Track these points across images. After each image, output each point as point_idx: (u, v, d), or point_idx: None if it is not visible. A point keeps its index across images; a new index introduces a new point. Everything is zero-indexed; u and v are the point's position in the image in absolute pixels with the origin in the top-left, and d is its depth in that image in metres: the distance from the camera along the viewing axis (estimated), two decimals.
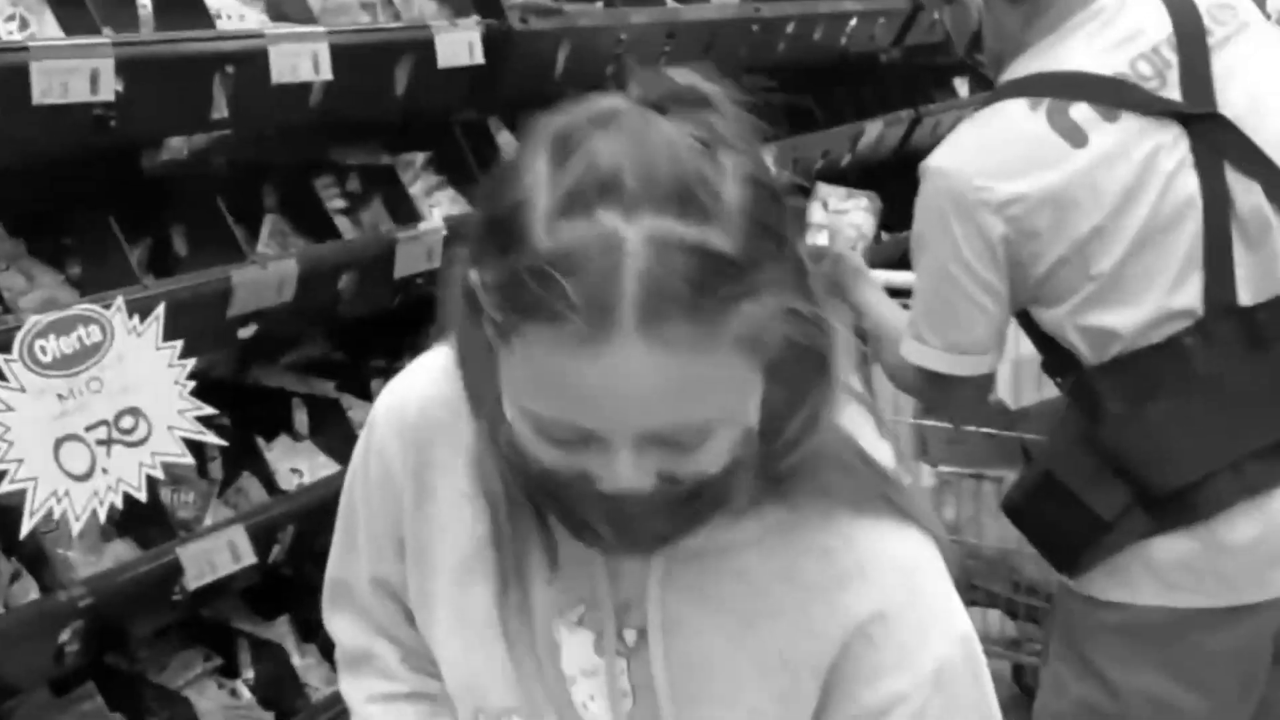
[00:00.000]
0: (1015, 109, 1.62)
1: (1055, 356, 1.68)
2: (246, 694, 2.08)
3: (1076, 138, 1.58)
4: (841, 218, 2.13)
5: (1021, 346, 2.23)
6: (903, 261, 1.97)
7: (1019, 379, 2.29)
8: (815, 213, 2.12)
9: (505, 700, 0.92)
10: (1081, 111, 1.58)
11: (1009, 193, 1.57)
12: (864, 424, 0.88)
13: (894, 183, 3.62)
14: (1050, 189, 1.57)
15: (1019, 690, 2.74)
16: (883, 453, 0.88)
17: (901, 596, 0.86)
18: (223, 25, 1.88)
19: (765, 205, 0.71)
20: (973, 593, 2.47)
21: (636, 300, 0.66)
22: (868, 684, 0.86)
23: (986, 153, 1.62)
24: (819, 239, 2.06)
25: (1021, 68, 1.66)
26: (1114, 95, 1.59)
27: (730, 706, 0.87)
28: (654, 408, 0.70)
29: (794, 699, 0.87)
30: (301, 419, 2.19)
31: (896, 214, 3.52)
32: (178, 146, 2.28)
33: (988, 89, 1.79)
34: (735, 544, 0.85)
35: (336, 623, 1.07)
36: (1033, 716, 1.79)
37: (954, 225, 1.60)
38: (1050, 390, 2.23)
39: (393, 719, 1.03)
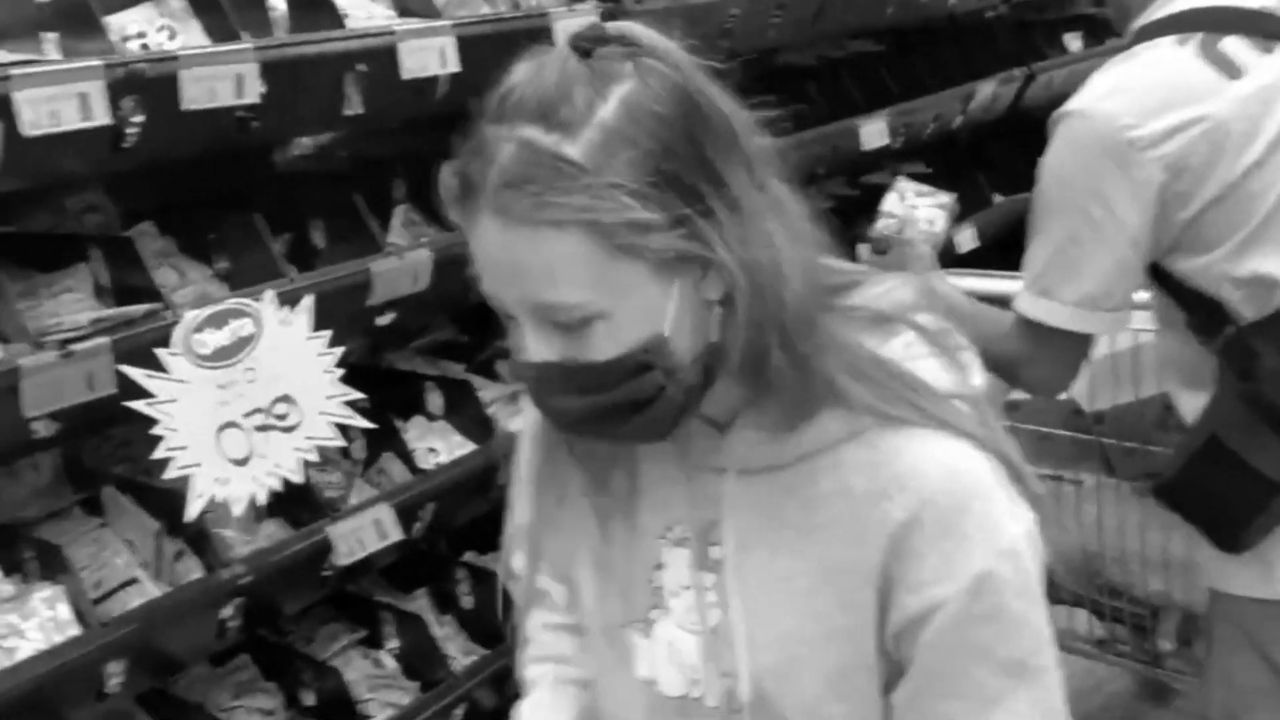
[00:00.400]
0: (1161, 47, 1.54)
1: (1199, 313, 1.58)
2: (391, 664, 2.18)
3: (1230, 70, 1.51)
4: (915, 211, 2.12)
5: (1098, 347, 2.20)
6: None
7: (1096, 380, 2.24)
8: (890, 202, 2.11)
9: (621, 616, 1.05)
10: (1234, 44, 1.51)
11: (1158, 129, 1.49)
12: (917, 348, 0.96)
13: (1008, 142, 3.59)
14: (1203, 122, 1.49)
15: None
16: (930, 371, 0.95)
17: (941, 504, 0.91)
18: (351, 23, 1.94)
19: (642, 129, 0.85)
20: (1058, 591, 2.45)
21: (493, 185, 0.85)
22: (911, 591, 0.93)
23: (1133, 91, 1.53)
24: (889, 228, 2.06)
25: (1160, 8, 1.59)
26: (1267, 27, 1.52)
27: (800, 615, 0.96)
28: (517, 278, 0.88)
29: (854, 606, 0.94)
30: (435, 400, 2.26)
31: (1006, 179, 3.50)
32: (306, 143, 2.37)
33: (1101, 42, 1.74)
34: (787, 462, 0.95)
35: (516, 561, 1.17)
36: (1206, 709, 1.79)
37: (1097, 167, 1.52)
38: (1125, 395, 2.19)
39: (557, 644, 1.20)
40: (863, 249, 2.06)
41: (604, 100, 0.86)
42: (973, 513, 0.91)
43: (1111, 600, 2.40)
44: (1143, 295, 1.74)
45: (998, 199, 3.52)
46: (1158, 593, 2.32)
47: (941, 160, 3.60)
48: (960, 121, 3.40)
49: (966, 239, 3.16)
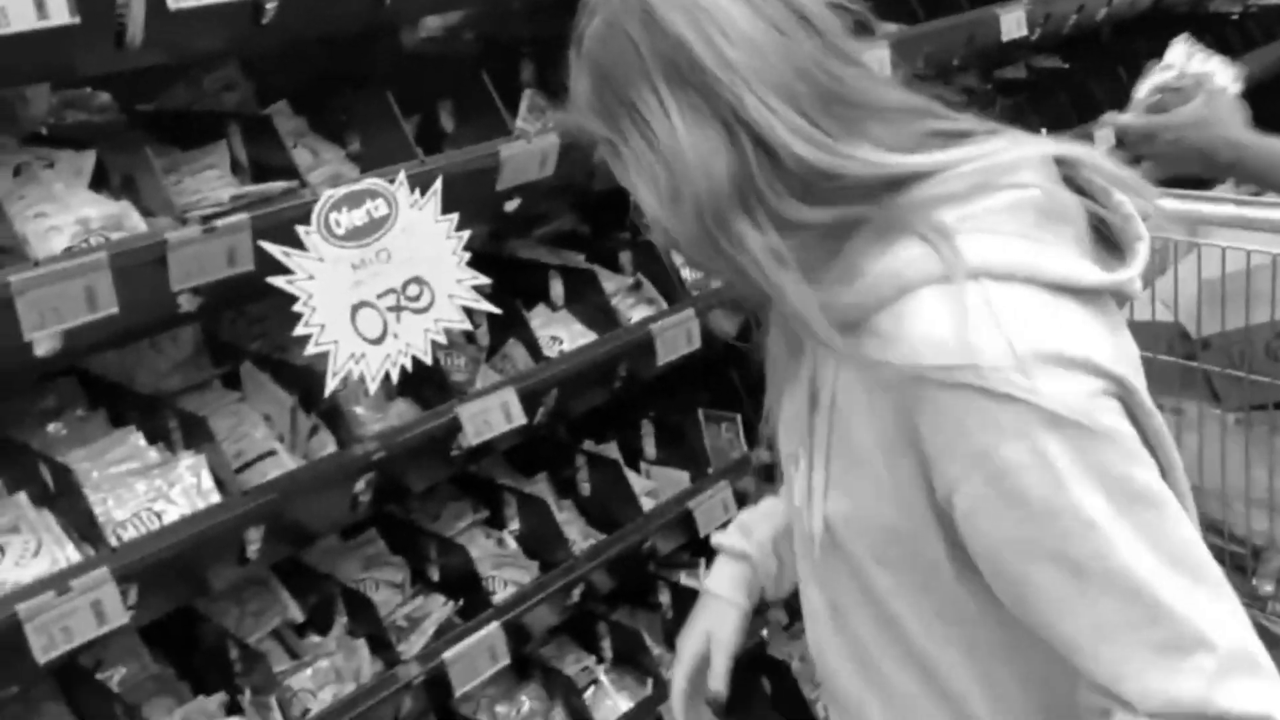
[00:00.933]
0: None
1: None
2: (512, 544, 2.23)
3: None
4: (1207, 65, 2.02)
5: (1206, 267, 2.07)
6: None
7: (1204, 304, 2.12)
8: (1175, 54, 2.01)
9: (785, 450, 1.19)
10: None
11: None
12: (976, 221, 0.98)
13: (1149, 40, 3.41)
14: None
15: None
16: (977, 245, 0.96)
17: (932, 379, 0.92)
18: None
19: (586, 61, 1.04)
20: None
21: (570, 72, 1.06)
22: (934, 466, 0.96)
23: None
24: (1169, 82, 1.97)
25: None
26: None
27: (860, 471, 1.03)
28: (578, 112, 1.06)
29: (897, 470, 0.99)
30: (557, 289, 2.27)
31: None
32: (433, 24, 2.35)
33: None
34: (837, 343, 0.99)
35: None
36: None
37: None
38: (1235, 320, 2.07)
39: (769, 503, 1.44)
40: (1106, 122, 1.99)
41: (584, 33, 1.04)
42: (970, 390, 0.91)
43: (1211, 537, 2.31)
44: (1258, 213, 1.65)
45: None
46: (1260, 532, 2.22)
47: (1079, 56, 3.43)
48: (1104, 14, 3.23)
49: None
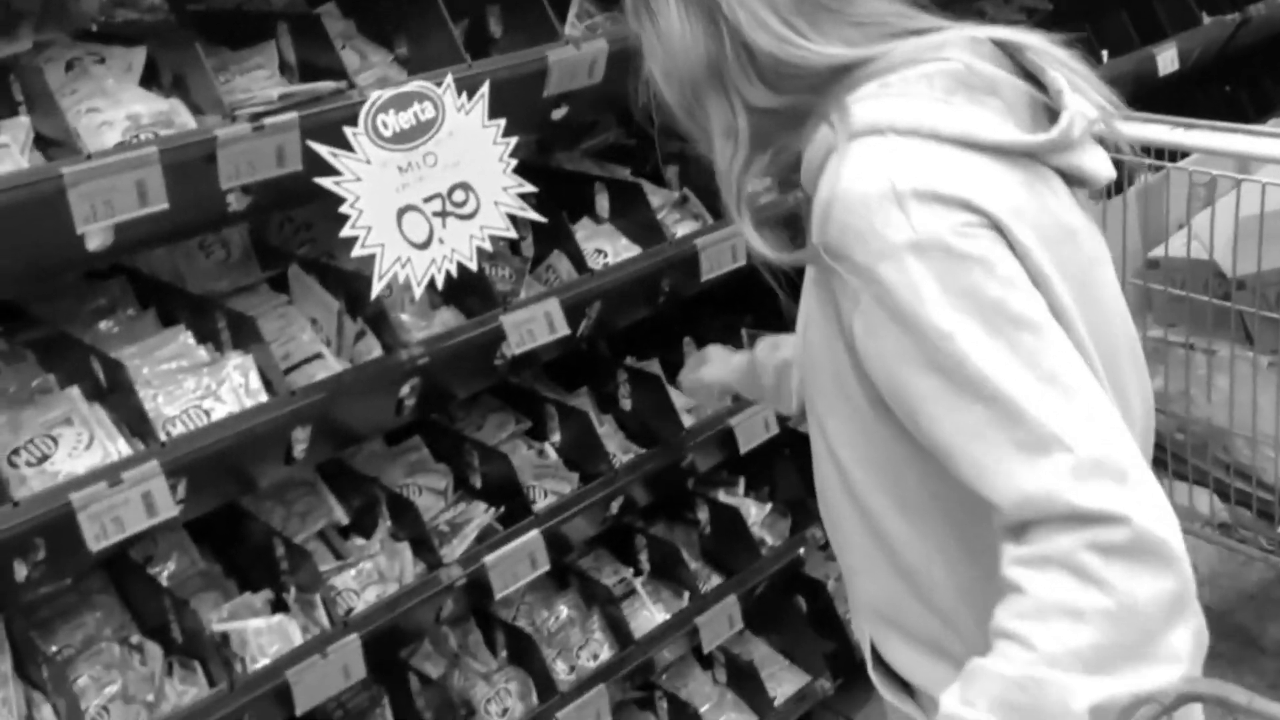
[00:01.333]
0: None
1: None
2: (553, 455, 2.25)
3: None
4: None
5: (1244, 204, 2.01)
6: None
7: (1240, 243, 2.05)
8: None
9: None
10: None
11: None
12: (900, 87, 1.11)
13: None
14: None
15: None
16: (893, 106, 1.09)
17: (836, 217, 1.05)
18: None
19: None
20: (1181, 466, 2.32)
21: None
22: (839, 298, 1.09)
23: None
24: None
25: None
26: None
27: (814, 320, 1.18)
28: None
29: (827, 312, 1.13)
30: (603, 202, 2.26)
31: None
32: None
33: None
34: (733, 212, 1.17)
35: None
36: None
37: None
38: (1272, 260, 2.01)
39: None
40: None
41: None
42: (853, 228, 1.04)
43: (1237, 482, 2.26)
44: (1228, 141, 1.60)
45: None
46: None
47: None
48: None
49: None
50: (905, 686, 1.27)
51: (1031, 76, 1.15)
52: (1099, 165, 1.17)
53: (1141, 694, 0.92)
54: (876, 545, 1.20)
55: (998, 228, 1.04)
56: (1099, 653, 0.94)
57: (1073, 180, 1.16)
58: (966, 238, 1.02)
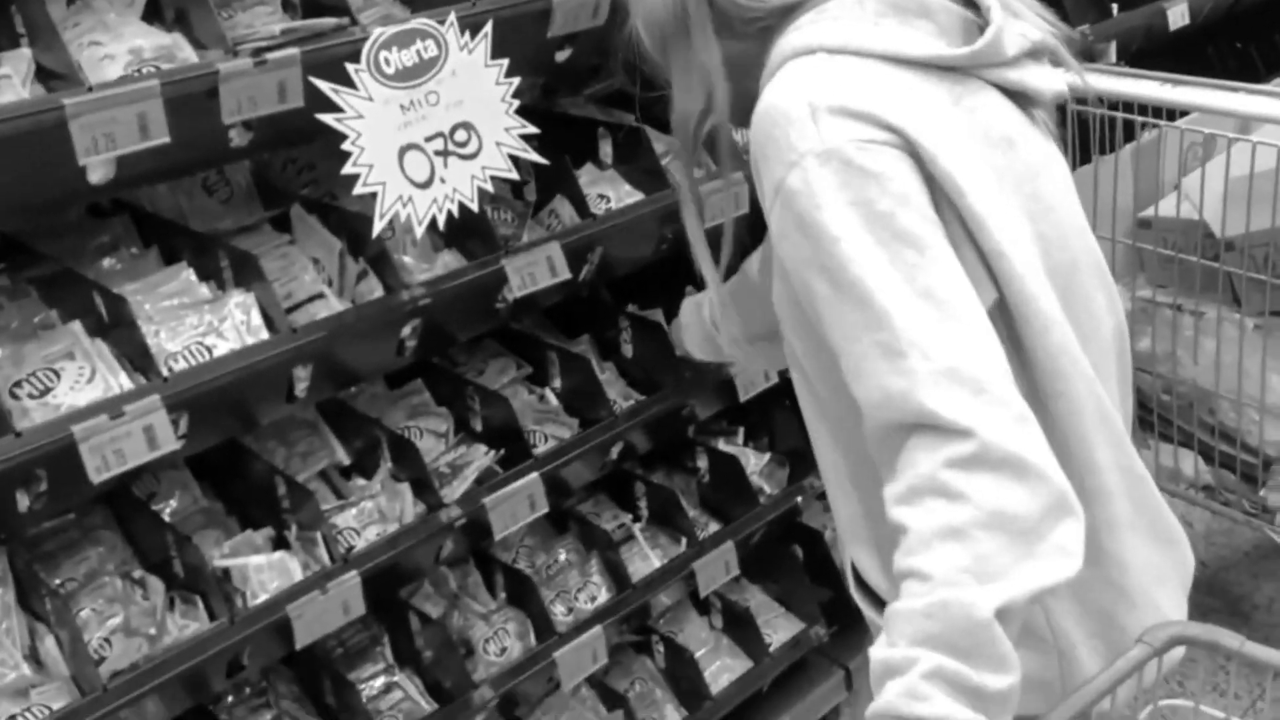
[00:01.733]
0: None
1: None
2: (554, 401, 2.25)
3: None
4: None
5: (1234, 165, 1.98)
6: None
7: (1229, 202, 2.03)
8: None
9: None
10: None
11: None
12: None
13: None
14: None
15: None
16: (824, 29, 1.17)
17: (757, 136, 1.13)
18: None
19: None
20: (1166, 428, 2.32)
21: None
22: (767, 208, 1.14)
23: None
24: None
25: None
26: None
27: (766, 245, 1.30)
28: None
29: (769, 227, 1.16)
30: (606, 148, 2.25)
31: None
32: None
33: None
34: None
35: None
36: None
37: None
38: (1261, 220, 1.99)
39: None
40: None
41: None
42: (773, 138, 1.11)
43: (1222, 445, 2.26)
44: (1189, 95, 1.59)
45: None
46: (1272, 442, 2.18)
47: None
48: None
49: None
50: (882, 603, 1.30)
51: (971, 2, 1.22)
52: (1043, 82, 1.23)
53: (1044, 588, 0.99)
54: (844, 461, 1.27)
55: (909, 143, 1.09)
56: (986, 562, 0.98)
57: (1020, 98, 1.22)
58: (867, 151, 1.08)
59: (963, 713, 0.96)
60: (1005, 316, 1.14)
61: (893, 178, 1.08)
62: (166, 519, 1.94)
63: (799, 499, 2.47)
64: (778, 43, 1.19)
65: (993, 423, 1.00)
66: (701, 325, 1.88)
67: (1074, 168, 2.15)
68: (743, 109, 1.21)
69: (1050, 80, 1.24)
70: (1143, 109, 2.08)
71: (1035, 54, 1.24)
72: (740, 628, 2.47)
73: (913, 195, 1.08)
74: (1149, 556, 1.25)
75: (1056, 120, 1.30)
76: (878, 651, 1.02)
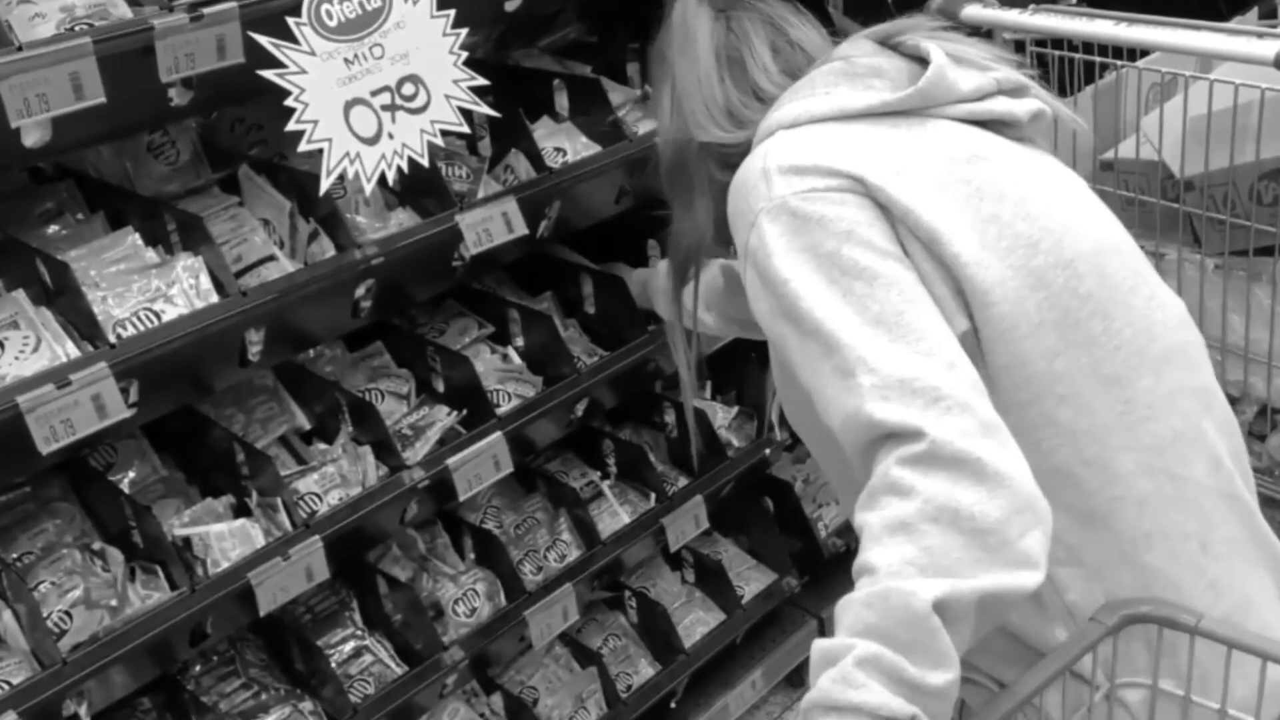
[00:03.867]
0: None
1: None
2: (517, 359, 2.23)
3: None
4: None
5: (1195, 99, 1.96)
6: None
7: (1188, 142, 2.01)
8: None
9: None
10: None
11: None
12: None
13: None
14: None
15: None
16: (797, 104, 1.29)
17: (729, 205, 1.25)
18: None
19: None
20: None
21: None
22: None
23: None
24: None
25: None
26: None
27: None
28: None
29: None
30: (562, 100, 2.21)
31: None
32: None
33: None
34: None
35: None
36: None
37: None
38: (1219, 160, 1.97)
39: None
40: None
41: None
42: (738, 208, 1.22)
43: None
44: (1246, 48, 1.56)
45: None
46: (1234, 382, 2.17)
47: None
48: None
49: None
50: None
51: (921, 59, 1.30)
52: (1014, 107, 1.29)
53: (997, 593, 0.99)
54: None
55: (857, 181, 1.16)
56: (934, 555, 0.98)
57: (994, 125, 1.29)
58: (811, 200, 1.15)
59: (897, 704, 0.95)
60: (977, 332, 1.16)
61: (838, 219, 1.14)
62: (125, 489, 1.91)
63: (767, 451, 2.46)
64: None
65: (946, 425, 1.01)
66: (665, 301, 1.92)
67: None
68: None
69: (1018, 106, 1.30)
70: (1103, 50, 2.06)
71: (1009, 92, 1.31)
72: (712, 580, 2.47)
73: (861, 231, 1.13)
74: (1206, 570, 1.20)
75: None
76: (818, 642, 1.02)
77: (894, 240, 1.14)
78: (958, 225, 1.15)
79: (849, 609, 1.00)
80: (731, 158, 1.31)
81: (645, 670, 2.35)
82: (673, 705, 2.39)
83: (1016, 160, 1.25)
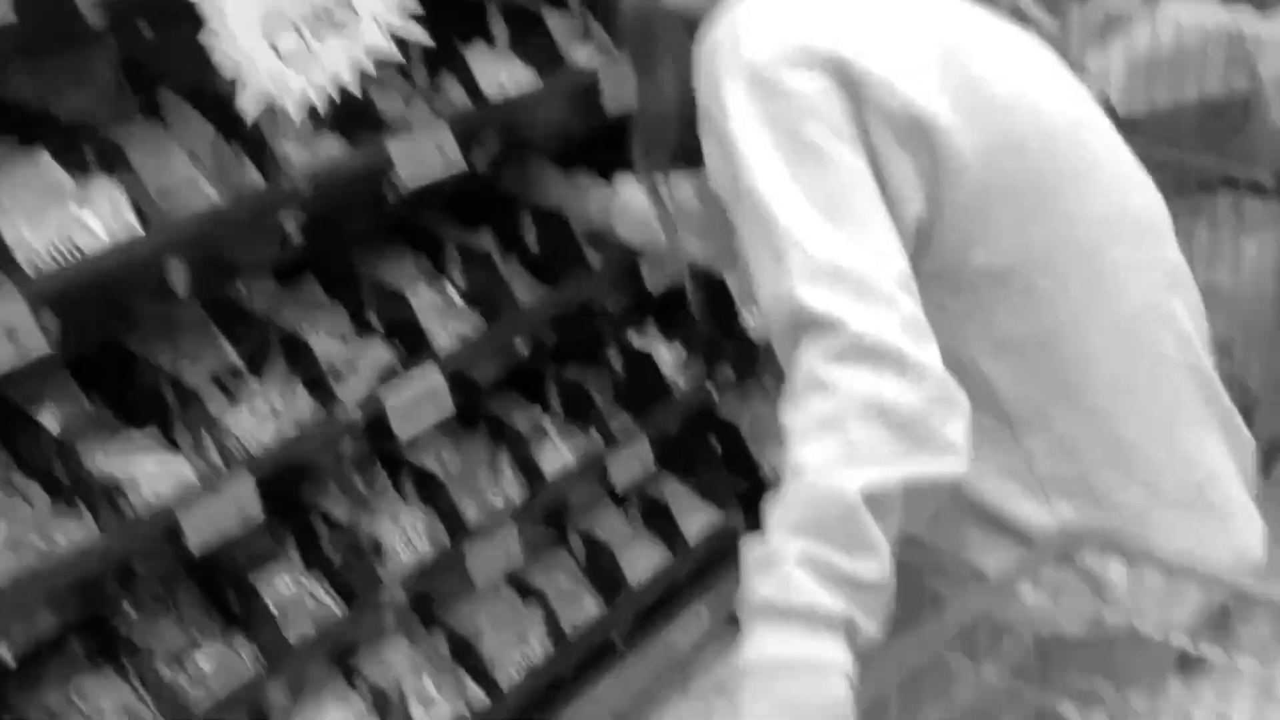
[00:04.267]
0: None
1: None
2: (456, 297, 2.19)
3: None
4: None
5: (1139, 37, 1.94)
6: None
7: (1134, 77, 1.99)
8: None
9: None
10: None
11: None
12: None
13: None
14: None
15: None
16: None
17: (697, 68, 1.17)
18: None
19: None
20: None
21: None
22: None
23: None
24: None
25: None
26: None
27: None
28: None
29: None
30: (499, 26, 2.15)
31: None
32: None
33: None
34: None
35: None
36: None
37: None
38: (1164, 96, 1.95)
39: None
40: None
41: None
42: (705, 71, 1.15)
43: None
44: None
45: None
46: None
47: None
48: None
49: None
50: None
51: None
52: None
53: (923, 479, 0.98)
54: None
55: (830, 57, 1.10)
56: (858, 448, 0.97)
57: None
58: (777, 70, 1.09)
59: (833, 601, 0.94)
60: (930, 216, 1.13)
61: (801, 94, 1.09)
62: (54, 428, 1.85)
63: (713, 391, 2.45)
64: None
65: (866, 317, 1.00)
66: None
67: None
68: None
69: None
70: None
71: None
72: (657, 519, 2.46)
73: (822, 109, 1.09)
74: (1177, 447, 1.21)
75: None
76: (750, 544, 1.00)
77: (857, 122, 1.10)
78: (934, 90, 1.12)
79: (779, 506, 0.99)
80: (701, 24, 1.24)
81: (590, 607, 2.34)
82: (616, 641, 2.39)
83: (995, 28, 1.23)
